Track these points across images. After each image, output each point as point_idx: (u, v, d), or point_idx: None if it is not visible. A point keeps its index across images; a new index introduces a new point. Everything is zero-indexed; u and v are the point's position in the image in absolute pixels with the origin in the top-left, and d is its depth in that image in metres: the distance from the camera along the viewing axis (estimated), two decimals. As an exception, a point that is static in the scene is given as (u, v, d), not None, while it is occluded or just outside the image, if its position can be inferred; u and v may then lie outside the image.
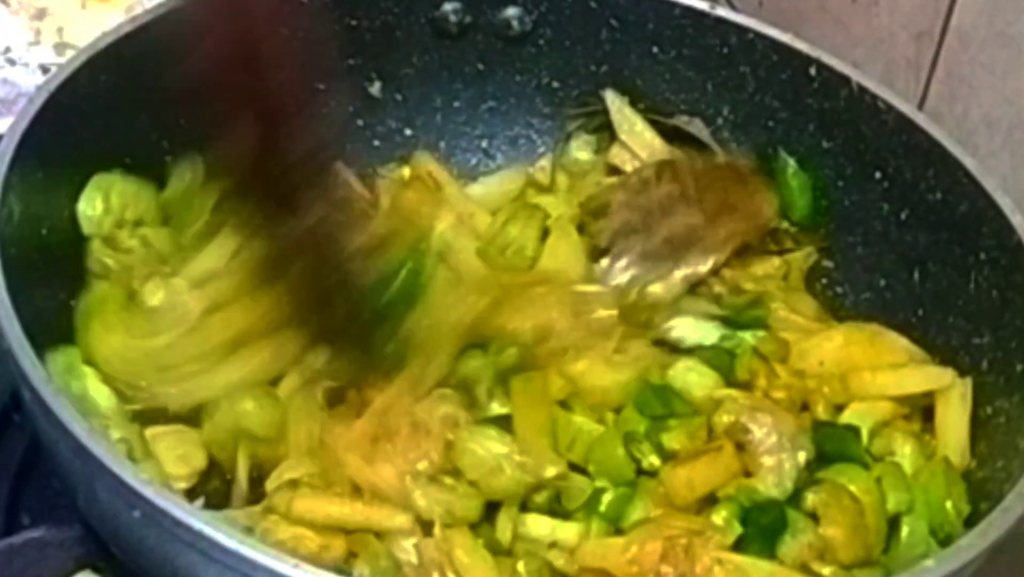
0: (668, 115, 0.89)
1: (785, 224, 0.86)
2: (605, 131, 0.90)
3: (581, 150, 0.91)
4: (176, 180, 0.81)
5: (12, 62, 0.97)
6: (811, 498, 0.69)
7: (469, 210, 0.86)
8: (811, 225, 0.85)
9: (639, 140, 0.88)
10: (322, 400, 0.74)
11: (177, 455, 0.73)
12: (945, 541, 0.69)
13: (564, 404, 0.75)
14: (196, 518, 0.57)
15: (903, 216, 0.81)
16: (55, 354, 0.72)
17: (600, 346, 0.78)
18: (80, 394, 0.72)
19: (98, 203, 0.77)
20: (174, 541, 0.58)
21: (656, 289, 0.82)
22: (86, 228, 0.77)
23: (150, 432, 0.73)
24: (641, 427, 0.73)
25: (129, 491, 0.58)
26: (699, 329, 0.80)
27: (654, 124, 0.88)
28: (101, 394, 0.73)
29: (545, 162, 0.91)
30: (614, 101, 0.89)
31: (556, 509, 0.71)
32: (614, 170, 0.88)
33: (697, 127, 0.88)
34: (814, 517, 0.69)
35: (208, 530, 0.57)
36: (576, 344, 0.77)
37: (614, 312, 0.80)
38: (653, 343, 0.79)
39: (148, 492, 0.58)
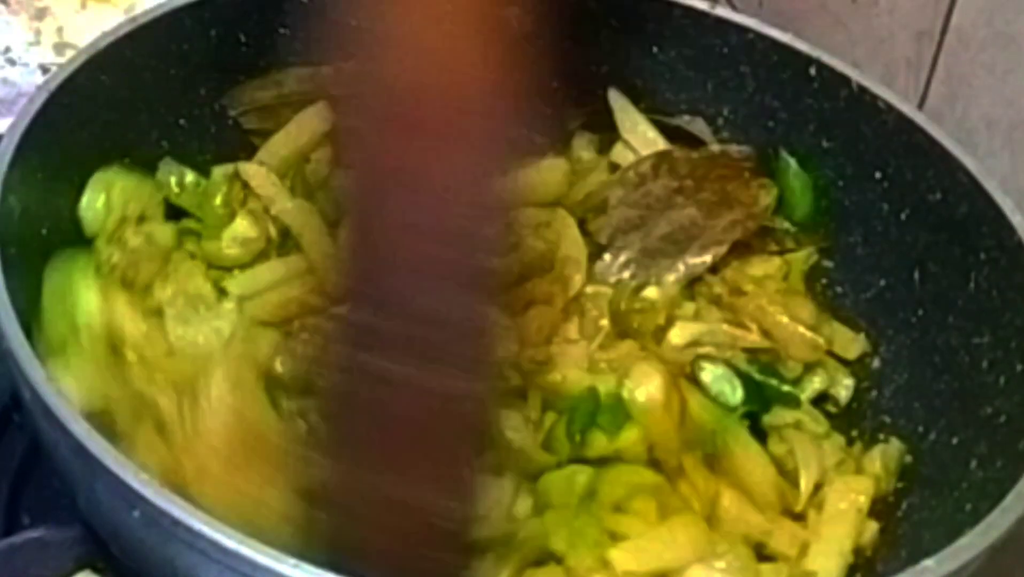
0: (669, 115, 0.89)
1: (786, 224, 0.86)
2: (607, 130, 0.90)
3: (584, 149, 0.90)
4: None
5: (12, 62, 0.97)
6: None
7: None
8: (812, 225, 0.85)
9: (642, 139, 0.88)
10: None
11: None
12: None
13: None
14: (196, 518, 0.57)
15: (903, 216, 0.81)
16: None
17: (579, 350, 0.78)
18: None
19: (99, 202, 0.77)
20: (174, 541, 0.58)
21: (651, 293, 0.82)
22: (88, 228, 0.77)
23: None
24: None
25: (129, 491, 0.58)
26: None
27: (656, 123, 0.88)
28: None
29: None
30: (617, 100, 0.89)
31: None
32: (617, 169, 0.88)
33: (699, 126, 0.88)
34: None
35: (208, 530, 0.57)
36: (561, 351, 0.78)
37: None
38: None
39: (148, 492, 0.58)
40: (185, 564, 0.59)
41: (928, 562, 0.61)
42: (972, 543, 0.61)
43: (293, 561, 0.56)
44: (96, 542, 0.67)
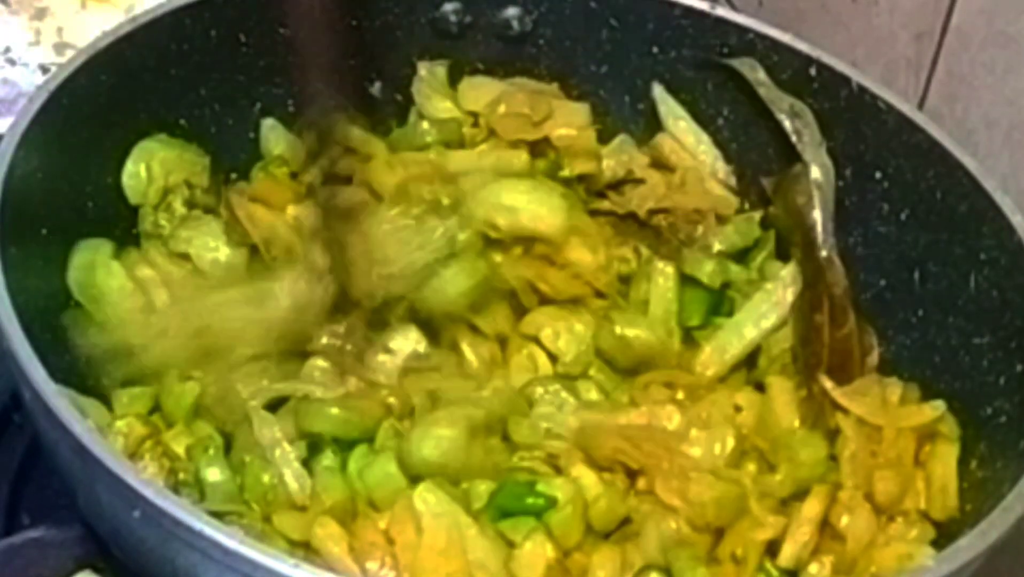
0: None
1: None
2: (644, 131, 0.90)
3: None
4: None
5: (12, 62, 0.97)
6: None
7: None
8: None
9: (684, 131, 0.88)
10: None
11: None
12: None
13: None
14: (196, 518, 0.57)
15: (903, 216, 0.81)
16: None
17: None
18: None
19: (141, 172, 0.79)
20: (174, 541, 0.58)
21: None
22: (132, 199, 0.79)
23: None
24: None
25: (129, 491, 0.58)
26: None
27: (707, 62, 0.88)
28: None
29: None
30: (662, 96, 0.89)
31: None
32: (655, 160, 0.88)
33: (748, 67, 0.86)
34: None
35: (208, 530, 0.57)
36: None
37: None
38: None
39: (148, 492, 0.58)
40: (185, 564, 0.59)
41: (928, 562, 0.61)
42: (972, 543, 0.61)
43: (293, 561, 0.56)
44: (96, 542, 0.67)
